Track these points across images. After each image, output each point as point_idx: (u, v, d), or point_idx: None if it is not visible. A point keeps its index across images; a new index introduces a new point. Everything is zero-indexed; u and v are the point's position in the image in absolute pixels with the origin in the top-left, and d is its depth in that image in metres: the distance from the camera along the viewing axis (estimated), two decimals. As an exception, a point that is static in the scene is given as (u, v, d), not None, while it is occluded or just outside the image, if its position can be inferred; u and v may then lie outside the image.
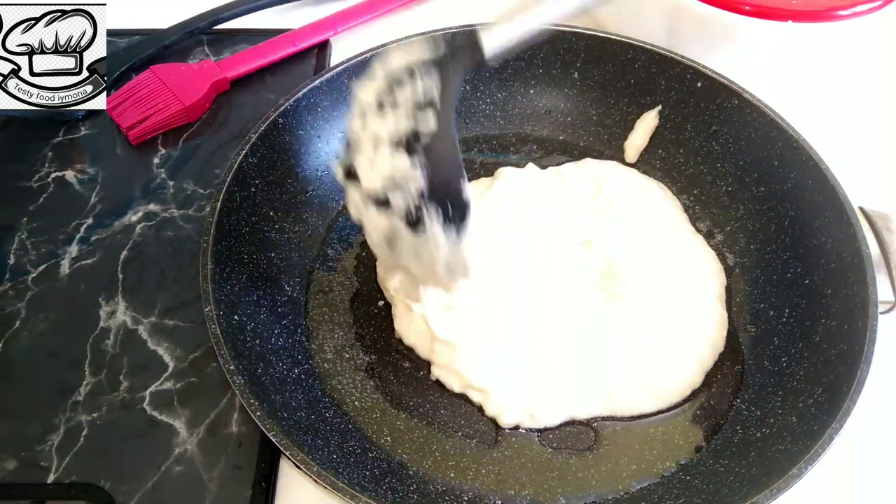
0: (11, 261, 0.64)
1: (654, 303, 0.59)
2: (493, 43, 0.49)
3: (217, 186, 0.59)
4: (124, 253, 0.64)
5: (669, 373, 0.56)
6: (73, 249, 0.64)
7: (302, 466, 0.46)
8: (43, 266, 0.63)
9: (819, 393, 0.52)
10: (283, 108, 0.64)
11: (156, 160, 0.71)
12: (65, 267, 0.63)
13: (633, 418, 0.56)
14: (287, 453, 0.46)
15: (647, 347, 0.57)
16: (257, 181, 0.62)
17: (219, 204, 0.58)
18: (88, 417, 0.55)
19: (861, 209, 0.59)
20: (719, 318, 0.59)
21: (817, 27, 0.65)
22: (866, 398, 0.49)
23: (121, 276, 0.63)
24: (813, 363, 0.54)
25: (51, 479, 0.52)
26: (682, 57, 0.68)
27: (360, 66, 0.68)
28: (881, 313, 0.53)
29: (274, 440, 0.47)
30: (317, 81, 0.66)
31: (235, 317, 0.55)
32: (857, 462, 0.54)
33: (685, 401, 0.56)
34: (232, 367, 0.50)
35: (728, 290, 0.62)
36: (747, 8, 0.65)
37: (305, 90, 0.65)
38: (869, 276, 0.54)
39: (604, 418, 0.56)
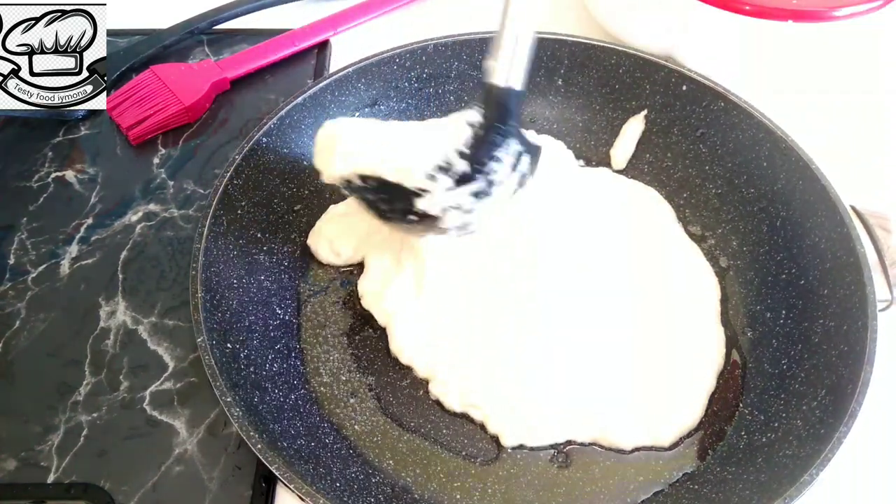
0: (11, 261, 0.63)
1: (654, 323, 0.59)
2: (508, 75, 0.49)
3: (203, 210, 0.58)
4: (124, 253, 0.64)
5: (672, 414, 0.55)
6: (73, 249, 0.64)
7: (307, 499, 0.45)
8: (43, 266, 0.63)
9: (822, 395, 0.52)
10: (265, 127, 0.63)
11: (156, 160, 0.71)
12: (65, 267, 0.63)
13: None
14: (291, 486, 0.45)
15: (648, 381, 0.56)
16: (243, 203, 0.61)
17: (205, 229, 0.56)
18: (88, 417, 0.55)
19: (853, 208, 0.59)
20: (718, 339, 0.59)
21: (817, 27, 0.65)
22: (867, 397, 0.49)
23: (121, 276, 0.62)
24: (814, 365, 0.54)
25: (51, 479, 0.52)
26: (667, 61, 0.67)
27: (342, 81, 0.67)
28: (878, 311, 0.53)
29: (276, 473, 0.46)
30: (299, 99, 0.65)
31: (228, 345, 0.54)
32: (863, 463, 0.54)
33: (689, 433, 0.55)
34: (229, 399, 0.48)
35: (723, 293, 0.62)
36: (747, 8, 0.64)
37: (287, 108, 0.64)
38: (866, 276, 0.54)
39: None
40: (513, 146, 0.51)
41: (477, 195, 0.51)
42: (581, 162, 0.71)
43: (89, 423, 0.55)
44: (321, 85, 0.66)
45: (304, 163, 0.66)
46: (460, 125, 0.50)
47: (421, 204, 0.50)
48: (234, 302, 0.57)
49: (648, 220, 0.65)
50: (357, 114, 0.69)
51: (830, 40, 0.67)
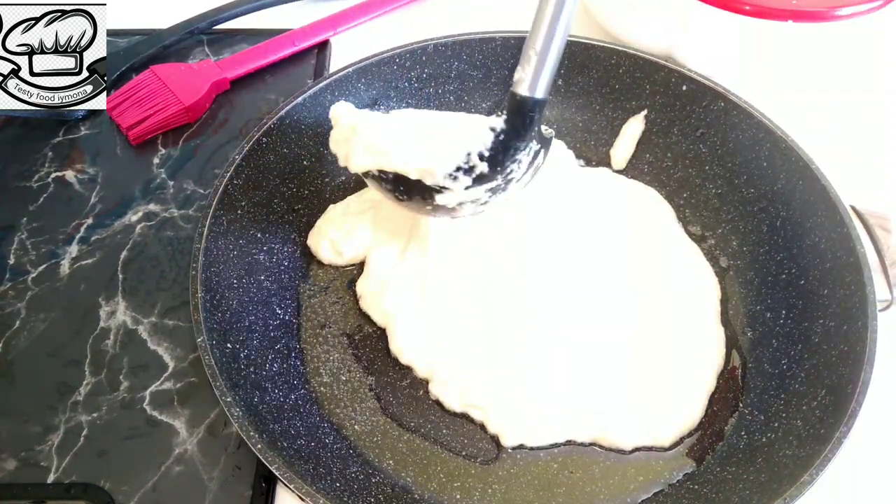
0: (11, 261, 0.63)
1: (654, 323, 0.59)
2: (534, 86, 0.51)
3: (203, 210, 0.58)
4: (124, 253, 0.64)
5: (673, 414, 0.55)
6: (73, 249, 0.64)
7: (307, 498, 0.45)
8: (43, 266, 0.63)
9: (822, 395, 0.52)
10: (265, 126, 0.63)
11: (156, 160, 0.71)
12: (65, 267, 0.63)
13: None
14: (291, 486, 0.45)
15: (648, 381, 0.56)
16: (243, 203, 0.61)
17: (205, 229, 0.56)
18: (88, 417, 0.55)
19: (853, 208, 0.59)
20: (719, 338, 0.59)
21: (817, 27, 0.65)
22: (867, 397, 0.49)
23: (121, 276, 0.63)
24: (814, 365, 0.54)
25: (51, 479, 0.52)
26: (667, 61, 0.67)
27: (342, 81, 0.67)
28: (878, 311, 0.53)
29: (277, 473, 0.46)
30: (299, 99, 0.65)
31: (228, 345, 0.54)
32: (863, 463, 0.54)
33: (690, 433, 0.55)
34: (229, 399, 0.48)
35: (723, 293, 0.62)
36: (747, 8, 0.64)
37: (288, 108, 0.64)
38: (866, 276, 0.54)
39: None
40: (532, 147, 0.53)
41: (493, 191, 0.52)
42: (581, 162, 0.71)
43: (89, 423, 0.55)
44: (321, 85, 0.66)
45: (305, 162, 0.66)
46: (483, 129, 0.51)
47: (439, 199, 0.52)
48: (234, 302, 0.57)
49: (648, 221, 0.65)
50: (357, 113, 0.68)
51: (830, 40, 0.67)
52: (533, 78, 0.50)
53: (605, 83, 0.70)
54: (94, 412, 0.55)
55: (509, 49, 0.70)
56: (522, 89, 0.51)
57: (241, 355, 0.54)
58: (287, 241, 0.64)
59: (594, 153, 0.71)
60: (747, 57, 0.70)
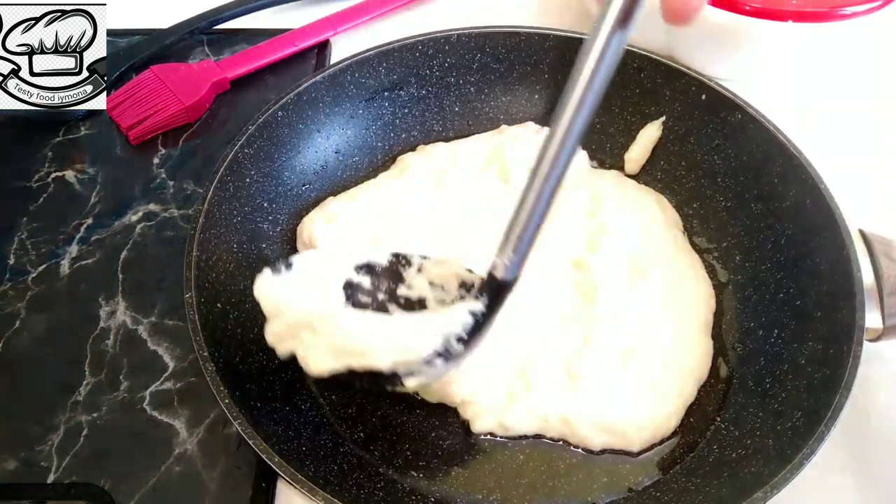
0: (11, 261, 0.64)
1: (641, 330, 0.58)
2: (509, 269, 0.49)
3: (212, 177, 0.60)
4: (124, 253, 0.64)
5: (645, 420, 0.54)
6: (73, 249, 0.64)
7: (264, 456, 0.46)
8: (43, 266, 0.63)
9: (798, 417, 0.51)
10: (283, 101, 0.64)
11: (156, 160, 0.71)
12: (65, 267, 0.64)
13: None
14: (251, 442, 0.47)
15: (627, 384, 0.56)
16: (252, 172, 0.63)
17: (209, 193, 0.58)
18: (88, 417, 0.55)
19: (861, 232, 0.58)
20: (706, 351, 0.58)
21: (817, 27, 0.64)
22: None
23: (121, 276, 0.63)
24: (796, 386, 0.53)
25: (51, 479, 0.52)
26: (688, 69, 0.67)
27: (363, 63, 0.68)
28: (868, 340, 0.52)
29: (239, 429, 0.47)
30: (319, 77, 0.66)
31: (219, 304, 0.56)
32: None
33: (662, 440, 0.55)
34: (205, 354, 0.50)
35: (719, 306, 0.62)
36: (747, 8, 0.64)
37: (307, 84, 0.66)
38: (858, 301, 0.52)
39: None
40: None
41: (458, 362, 0.50)
42: (594, 163, 0.71)
43: (89, 423, 0.55)
44: (342, 65, 0.67)
45: (319, 139, 0.68)
46: (462, 313, 0.50)
47: (409, 382, 0.49)
48: (231, 265, 0.59)
49: (652, 227, 0.65)
50: (365, 104, 0.69)
51: (831, 40, 0.65)
52: (515, 263, 0.48)
53: (626, 86, 0.70)
54: (94, 412, 0.55)
55: (533, 45, 0.71)
56: (503, 273, 0.49)
57: (231, 316, 0.56)
58: (293, 214, 0.65)
59: (608, 156, 0.71)
60: (749, 58, 0.69)
